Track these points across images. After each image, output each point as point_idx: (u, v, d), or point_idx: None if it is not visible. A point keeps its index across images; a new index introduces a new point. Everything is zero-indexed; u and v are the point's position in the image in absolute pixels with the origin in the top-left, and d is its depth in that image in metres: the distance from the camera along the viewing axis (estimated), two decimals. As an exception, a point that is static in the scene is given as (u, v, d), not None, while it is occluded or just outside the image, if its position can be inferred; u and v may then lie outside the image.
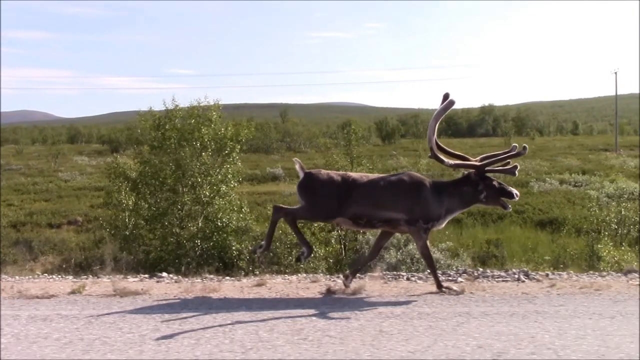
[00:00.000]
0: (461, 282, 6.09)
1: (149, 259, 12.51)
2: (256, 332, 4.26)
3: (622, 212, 14.34)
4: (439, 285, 5.57)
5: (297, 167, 5.74)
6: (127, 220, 13.20)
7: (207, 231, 12.62)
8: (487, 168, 5.65)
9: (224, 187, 12.86)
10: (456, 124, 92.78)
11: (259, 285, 6.14)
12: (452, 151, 5.93)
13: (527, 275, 6.42)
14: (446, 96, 5.69)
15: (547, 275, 6.57)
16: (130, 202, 13.46)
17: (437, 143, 5.73)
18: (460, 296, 5.37)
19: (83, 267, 13.39)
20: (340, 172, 5.85)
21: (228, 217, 12.51)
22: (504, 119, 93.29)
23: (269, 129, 64.05)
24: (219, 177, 12.88)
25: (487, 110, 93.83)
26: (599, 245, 12.71)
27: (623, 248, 12.52)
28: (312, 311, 4.84)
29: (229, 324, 4.47)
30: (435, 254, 12.62)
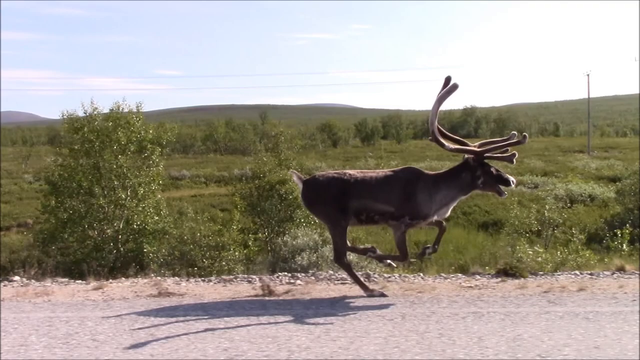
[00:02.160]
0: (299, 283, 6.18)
1: (66, 262, 12.45)
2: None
3: (545, 214, 14.42)
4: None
5: (294, 178, 5.73)
6: (47, 222, 13.14)
7: (125, 234, 12.58)
8: (485, 154, 5.65)
9: (142, 190, 12.81)
10: (438, 125, 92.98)
11: (96, 289, 6.16)
12: (452, 136, 5.93)
13: (368, 277, 6.50)
14: (448, 79, 5.63)
15: (400, 276, 6.70)
16: (52, 205, 13.40)
17: (438, 127, 5.67)
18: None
19: (7, 270, 13.34)
20: (337, 171, 5.81)
21: (143, 220, 12.47)
22: (485, 120, 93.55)
23: (245, 131, 63.99)
24: (138, 179, 12.84)
25: (469, 112, 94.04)
26: (517, 247, 12.79)
27: (538, 248, 12.53)
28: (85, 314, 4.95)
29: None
30: (351, 257, 12.67)
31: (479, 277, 6.53)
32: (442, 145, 5.65)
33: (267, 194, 14.17)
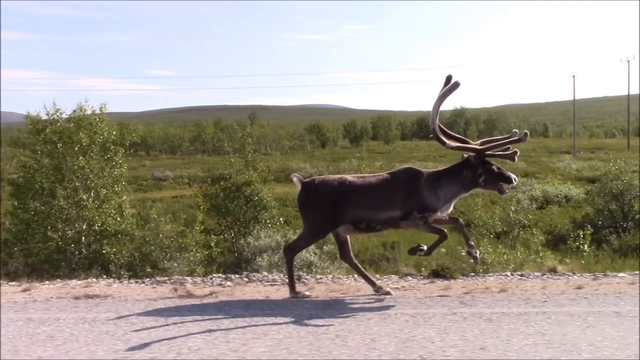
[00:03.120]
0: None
1: (28, 264, 12.41)
2: None
3: (511, 215, 14.49)
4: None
5: (295, 180, 5.72)
6: (7, 224, 13.12)
7: (89, 235, 12.57)
8: (487, 152, 5.64)
9: (104, 192, 12.80)
10: (428, 126, 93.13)
11: (24, 291, 6.17)
12: (453, 134, 5.92)
13: (299, 278, 6.54)
14: (449, 78, 5.64)
15: (333, 277, 6.77)
16: (16, 205, 13.36)
17: (439, 125, 5.67)
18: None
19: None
20: (337, 177, 5.78)
21: (104, 221, 12.46)
22: (475, 121, 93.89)
23: (234, 131, 63.88)
24: (101, 181, 12.83)
25: (458, 113, 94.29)
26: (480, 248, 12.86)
27: (500, 249, 12.62)
28: None
29: None
30: (312, 258, 12.73)
31: (411, 279, 6.60)
32: (443, 143, 5.64)
33: (233, 195, 14.21)
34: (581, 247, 13.38)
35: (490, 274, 6.81)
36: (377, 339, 4.14)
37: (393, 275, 6.89)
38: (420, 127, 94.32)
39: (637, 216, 17.61)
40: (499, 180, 5.65)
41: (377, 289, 5.66)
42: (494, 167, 5.65)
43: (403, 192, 5.51)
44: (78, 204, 12.52)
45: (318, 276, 6.77)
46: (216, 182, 15.10)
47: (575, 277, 6.52)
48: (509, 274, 6.81)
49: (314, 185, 5.64)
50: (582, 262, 13.22)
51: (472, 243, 5.78)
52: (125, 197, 14.09)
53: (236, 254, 12.87)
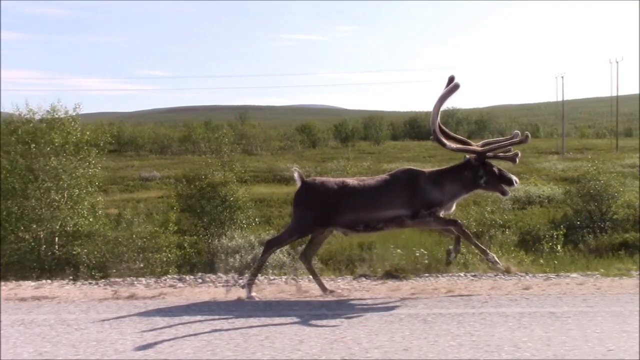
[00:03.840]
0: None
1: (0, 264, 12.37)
2: None
3: (486, 215, 14.55)
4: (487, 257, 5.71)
5: (295, 175, 5.72)
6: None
7: (62, 236, 12.53)
8: (488, 154, 5.66)
9: (77, 192, 12.77)
10: (419, 126, 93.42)
11: (-25, 292, 6.16)
12: (454, 135, 5.93)
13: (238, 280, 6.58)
14: (451, 79, 5.64)
15: (289, 278, 6.80)
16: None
17: (440, 126, 5.68)
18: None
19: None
20: (337, 180, 5.77)
21: (76, 222, 12.43)
22: (466, 121, 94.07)
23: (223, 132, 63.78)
24: (75, 181, 12.79)
25: (450, 113, 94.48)
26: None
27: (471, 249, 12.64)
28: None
29: None
30: (284, 258, 12.73)
31: (364, 280, 6.62)
32: (444, 144, 5.66)
33: (209, 196, 14.21)
34: (554, 247, 13.44)
35: (444, 275, 6.85)
36: (306, 340, 4.16)
37: (348, 276, 6.92)
38: (411, 128, 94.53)
39: (615, 216, 17.73)
40: (500, 181, 5.71)
41: (326, 293, 5.69)
42: (494, 168, 5.70)
43: (405, 191, 5.54)
44: (50, 204, 12.48)
45: (272, 277, 6.78)
46: (191, 183, 15.13)
47: (527, 277, 6.57)
48: (462, 274, 6.85)
49: (314, 185, 5.64)
50: (556, 262, 13.34)
51: (458, 248, 5.89)
52: (100, 197, 14.05)
53: (209, 255, 12.86)
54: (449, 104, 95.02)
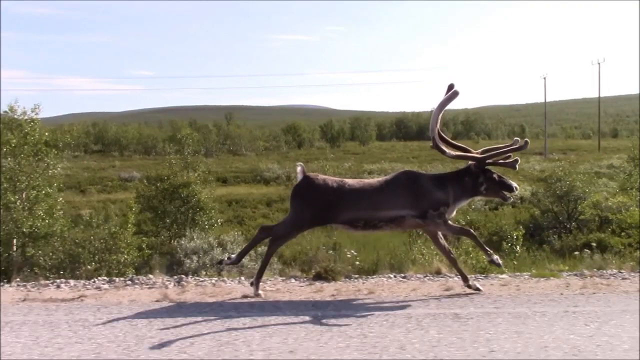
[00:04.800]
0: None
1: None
2: None
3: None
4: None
5: (298, 169, 5.74)
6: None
7: (20, 238, 12.44)
8: (487, 161, 5.70)
9: (34, 193, 12.68)
10: (406, 127, 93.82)
11: None
12: (454, 142, 5.98)
13: (179, 281, 6.55)
14: (451, 86, 5.70)
15: (217, 280, 6.81)
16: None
17: (439, 134, 5.71)
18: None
19: None
20: (337, 179, 5.82)
21: (32, 223, 12.34)
22: (453, 122, 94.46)
23: (208, 132, 63.64)
24: (33, 183, 12.70)
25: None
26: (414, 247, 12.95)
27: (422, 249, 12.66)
28: None
29: None
30: (244, 260, 12.70)
31: (294, 281, 6.62)
32: (443, 152, 5.72)
33: (170, 197, 14.18)
34: (514, 248, 13.52)
35: (374, 276, 6.87)
36: (197, 342, 4.16)
37: (279, 277, 6.92)
38: (398, 128, 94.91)
39: (581, 217, 17.85)
40: (500, 188, 5.76)
41: (256, 294, 5.68)
42: (494, 175, 5.77)
43: (407, 192, 5.59)
44: (7, 206, 12.38)
45: (201, 279, 6.76)
46: (153, 183, 15.09)
47: (455, 279, 6.60)
48: (392, 275, 6.88)
49: (316, 181, 5.67)
50: (515, 262, 13.40)
51: (489, 252, 5.87)
52: (60, 198, 13.95)
53: (169, 256, 12.84)
54: (435, 105, 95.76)
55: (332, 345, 4.05)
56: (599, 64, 58.84)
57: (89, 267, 11.13)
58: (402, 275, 6.85)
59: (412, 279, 6.64)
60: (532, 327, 4.47)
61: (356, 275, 6.83)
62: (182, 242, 12.70)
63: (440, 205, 5.59)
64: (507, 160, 5.78)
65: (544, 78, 58.57)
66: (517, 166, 5.73)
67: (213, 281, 6.70)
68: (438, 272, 6.98)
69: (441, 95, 5.90)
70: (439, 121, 5.75)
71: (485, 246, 5.94)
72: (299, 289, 6.10)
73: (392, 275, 6.84)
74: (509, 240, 13.89)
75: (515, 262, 13.09)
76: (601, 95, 63.29)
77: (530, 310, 4.95)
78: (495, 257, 5.87)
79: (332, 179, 5.77)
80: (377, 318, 4.75)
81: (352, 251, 7.79)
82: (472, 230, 5.94)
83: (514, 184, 5.80)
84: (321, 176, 5.86)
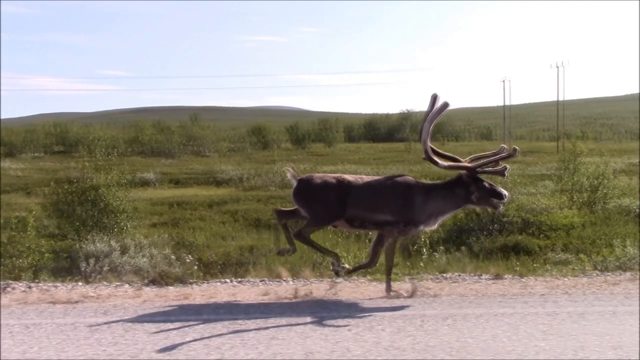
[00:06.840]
0: None
1: None
2: None
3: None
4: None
5: (289, 175, 5.80)
6: None
7: None
8: (478, 169, 5.76)
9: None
10: (376, 129, 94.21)
11: None
12: (444, 153, 6.09)
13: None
14: (434, 97, 5.78)
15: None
16: None
17: (431, 146, 5.80)
18: None
19: None
20: (335, 175, 5.88)
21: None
22: (421, 124, 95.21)
23: (171, 133, 63.13)
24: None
25: (405, 116, 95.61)
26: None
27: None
28: None
29: None
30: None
31: (127, 286, 6.60)
32: (436, 163, 5.84)
33: (79, 200, 14.06)
34: (420, 250, 13.62)
35: (240, 279, 6.87)
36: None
37: (127, 284, 6.88)
38: (367, 130, 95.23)
39: (504, 219, 18.09)
40: (490, 196, 5.83)
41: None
42: (485, 183, 5.87)
43: (400, 198, 5.70)
44: None
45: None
46: (60, 186, 14.92)
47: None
48: (258, 280, 6.91)
49: (311, 182, 5.77)
50: (422, 264, 13.52)
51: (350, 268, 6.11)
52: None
53: (69, 259, 12.69)
54: (403, 108, 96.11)
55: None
56: (557, 67, 60.11)
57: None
58: (277, 280, 6.84)
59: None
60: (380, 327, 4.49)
61: (191, 280, 6.83)
62: (83, 245, 12.53)
63: (411, 224, 5.70)
64: (497, 168, 5.87)
65: (503, 81, 59.45)
66: (506, 173, 5.84)
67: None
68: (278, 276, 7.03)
69: (425, 99, 6.07)
70: (430, 134, 5.85)
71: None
72: (120, 294, 6.07)
73: (227, 280, 6.86)
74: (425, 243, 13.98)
75: (421, 264, 13.21)
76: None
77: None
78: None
79: (330, 176, 5.90)
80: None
81: (190, 256, 7.80)
82: (376, 263, 6.00)
83: (504, 192, 5.89)
84: (317, 175, 5.96)
